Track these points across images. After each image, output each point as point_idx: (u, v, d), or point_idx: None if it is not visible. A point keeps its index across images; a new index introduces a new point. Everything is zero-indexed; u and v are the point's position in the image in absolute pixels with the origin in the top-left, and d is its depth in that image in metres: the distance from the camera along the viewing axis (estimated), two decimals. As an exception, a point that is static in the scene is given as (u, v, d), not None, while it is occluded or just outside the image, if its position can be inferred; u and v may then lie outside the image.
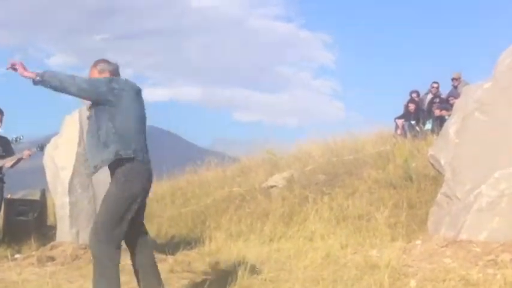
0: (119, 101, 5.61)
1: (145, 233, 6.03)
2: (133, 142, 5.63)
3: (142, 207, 5.84)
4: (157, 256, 8.96)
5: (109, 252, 5.48)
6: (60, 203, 10.11)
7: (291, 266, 7.84)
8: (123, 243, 5.73)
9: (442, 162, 8.47)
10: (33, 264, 9.10)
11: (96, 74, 5.88)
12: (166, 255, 9.11)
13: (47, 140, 10.78)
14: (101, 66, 5.93)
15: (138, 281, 5.87)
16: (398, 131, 16.86)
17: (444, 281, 6.57)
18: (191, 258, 8.93)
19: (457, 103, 9.13)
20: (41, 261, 9.18)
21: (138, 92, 5.83)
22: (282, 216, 11.88)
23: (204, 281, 7.06)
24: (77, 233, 9.90)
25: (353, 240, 9.24)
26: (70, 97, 5.65)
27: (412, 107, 17.38)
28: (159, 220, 14.22)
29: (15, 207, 12.18)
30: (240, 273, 6.86)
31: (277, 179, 14.41)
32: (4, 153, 10.70)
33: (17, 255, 9.88)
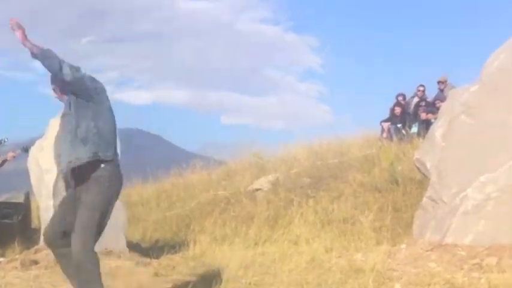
0: (100, 100, 5.55)
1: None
2: (112, 145, 5.56)
3: None
4: (142, 260, 8.94)
5: (94, 257, 5.40)
6: (44, 206, 10.00)
7: (276, 269, 7.79)
8: None
9: (428, 165, 8.47)
10: (16, 268, 8.99)
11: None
12: (151, 259, 9.06)
13: (32, 142, 10.70)
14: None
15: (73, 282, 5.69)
16: (384, 134, 16.83)
17: (429, 285, 6.55)
18: (175, 262, 8.87)
19: (444, 106, 9.13)
20: (24, 265, 9.07)
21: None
22: (266, 219, 11.87)
23: (188, 285, 7.01)
24: (61, 237, 9.81)
25: (338, 244, 9.22)
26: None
27: (398, 110, 17.36)
28: (144, 224, 14.18)
29: (-1, 210, 12.09)
30: (224, 277, 6.83)
31: (263, 182, 14.40)
32: (-12, 156, 10.62)
33: (0, 259, 9.78)
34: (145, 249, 10.16)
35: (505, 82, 8.08)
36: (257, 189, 14.21)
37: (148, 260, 8.91)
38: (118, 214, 9.45)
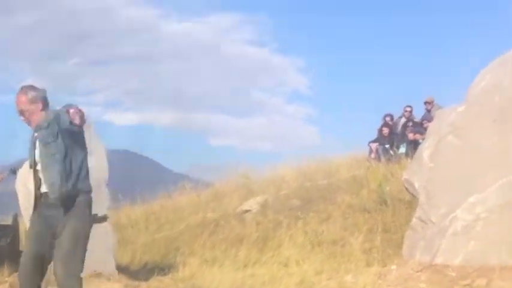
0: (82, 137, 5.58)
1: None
2: (88, 175, 5.63)
3: None
4: (131, 283, 8.89)
5: (81, 284, 5.39)
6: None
7: (266, 292, 7.77)
8: None
9: (416, 185, 8.49)
10: (6, 290, 8.96)
11: (26, 103, 5.48)
12: (140, 281, 9.01)
13: (20, 164, 10.65)
14: (31, 94, 5.50)
15: None
16: (372, 155, 16.84)
17: (420, 305, 6.54)
18: (165, 285, 8.84)
19: (431, 127, 9.16)
20: (13, 288, 9.03)
21: None
22: (256, 241, 11.82)
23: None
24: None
25: (328, 266, 9.19)
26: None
27: (386, 130, 17.39)
28: (133, 246, 14.08)
29: (-13, 233, 11.98)
30: (214, 299, 6.80)
31: (251, 204, 14.37)
32: (-25, 178, 10.54)
33: (-12, 282, 9.71)
34: (134, 272, 10.10)
35: (490, 103, 8.13)
36: (246, 211, 14.17)
37: (137, 282, 8.87)
38: (107, 237, 9.41)
